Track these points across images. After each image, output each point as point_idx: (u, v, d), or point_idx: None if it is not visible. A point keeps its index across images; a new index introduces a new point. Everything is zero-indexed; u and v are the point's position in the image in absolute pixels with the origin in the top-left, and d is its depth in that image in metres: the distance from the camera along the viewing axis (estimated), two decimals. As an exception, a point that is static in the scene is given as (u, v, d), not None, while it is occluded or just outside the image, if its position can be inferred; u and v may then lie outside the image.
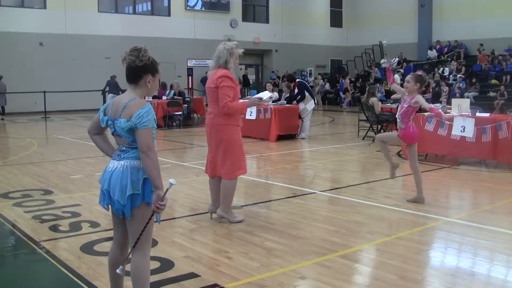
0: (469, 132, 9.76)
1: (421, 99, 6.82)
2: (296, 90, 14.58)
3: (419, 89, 6.94)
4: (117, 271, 3.47)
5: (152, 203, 3.28)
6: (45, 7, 25.84)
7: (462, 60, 28.63)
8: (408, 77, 7.05)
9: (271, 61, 34.13)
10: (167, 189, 3.28)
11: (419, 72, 7.21)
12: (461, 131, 9.87)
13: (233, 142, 6.03)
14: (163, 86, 20.63)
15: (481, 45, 27.90)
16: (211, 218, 6.30)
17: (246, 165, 6.24)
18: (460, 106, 10.45)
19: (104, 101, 21.46)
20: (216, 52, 6.03)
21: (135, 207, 3.35)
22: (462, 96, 21.84)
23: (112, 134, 3.48)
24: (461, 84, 24.78)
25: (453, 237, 5.68)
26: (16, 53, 24.58)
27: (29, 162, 10.76)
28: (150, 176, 3.28)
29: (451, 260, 5.06)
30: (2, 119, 21.72)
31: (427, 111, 8.87)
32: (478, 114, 10.16)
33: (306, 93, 14.50)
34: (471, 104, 11.11)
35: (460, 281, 4.40)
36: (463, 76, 25.91)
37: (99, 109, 3.58)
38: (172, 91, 19.55)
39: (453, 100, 11.56)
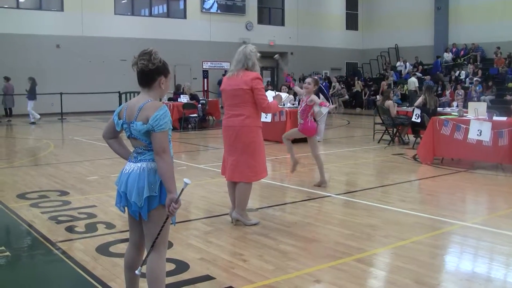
0: (486, 136, 9.70)
1: (314, 97, 8.15)
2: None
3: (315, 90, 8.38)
4: (136, 272, 3.49)
5: (166, 206, 3.30)
6: (62, 10, 26.06)
7: (478, 63, 28.43)
8: (308, 80, 8.35)
9: (287, 64, 34.10)
10: (182, 189, 3.29)
11: (316, 77, 8.53)
12: (477, 135, 9.80)
13: (261, 144, 6.09)
14: (177, 89, 20.67)
15: (498, 48, 27.66)
16: (233, 222, 6.26)
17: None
18: (477, 110, 10.39)
19: (120, 103, 21.52)
20: (240, 55, 5.99)
21: (152, 209, 3.36)
22: (478, 100, 21.68)
23: (128, 137, 3.48)
24: (477, 88, 24.60)
25: (469, 242, 5.64)
26: (33, 55, 24.81)
27: (45, 163, 10.85)
28: (164, 178, 3.28)
29: (467, 265, 5.03)
30: (9, 121, 21.85)
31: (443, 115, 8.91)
32: (495, 117, 10.09)
33: (322, 96, 14.48)
34: (487, 107, 11.03)
35: (476, 286, 4.37)
36: (479, 79, 25.72)
37: (114, 111, 3.60)
38: (186, 95, 19.53)
39: (470, 104, 11.50)
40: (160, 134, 3.27)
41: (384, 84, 28.46)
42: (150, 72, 3.38)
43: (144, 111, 3.31)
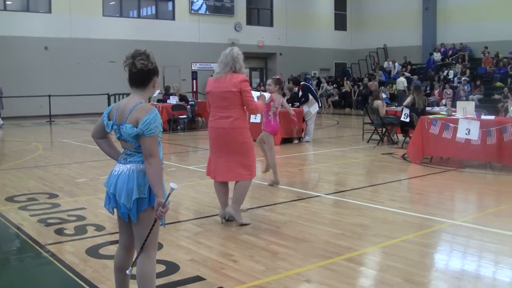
0: (474, 135, 9.74)
1: (276, 97, 8.49)
2: (300, 93, 14.58)
3: (278, 89, 8.66)
4: (127, 272, 3.48)
5: (154, 211, 3.28)
6: (50, 12, 25.93)
7: (466, 62, 28.57)
8: (269, 81, 8.68)
9: (276, 64, 34.11)
10: (169, 194, 3.27)
11: (278, 76, 8.88)
12: (466, 133, 9.85)
13: (251, 144, 6.21)
14: (166, 90, 20.60)
15: (486, 47, 27.83)
16: (223, 222, 6.28)
17: None
18: (465, 109, 10.44)
19: (109, 105, 21.32)
20: (228, 57, 6.03)
21: (141, 211, 3.34)
22: (467, 99, 21.78)
23: (118, 138, 3.46)
24: (465, 87, 24.73)
25: (459, 240, 5.67)
26: (21, 57, 24.65)
27: (34, 166, 10.79)
28: (151, 183, 3.27)
29: (457, 263, 5.05)
30: None
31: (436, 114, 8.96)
32: (483, 116, 10.14)
33: (310, 96, 14.48)
34: (476, 106, 11.09)
35: (465, 284, 4.39)
36: (467, 78, 25.85)
37: (103, 113, 3.58)
38: (176, 96, 19.46)
39: (458, 103, 11.56)
40: (149, 138, 3.25)
41: (371, 84, 28.50)
42: (148, 72, 3.38)
43: (135, 113, 3.28)
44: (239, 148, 6.05)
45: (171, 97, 19.36)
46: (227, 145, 6.05)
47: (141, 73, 3.37)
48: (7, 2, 25.29)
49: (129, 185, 3.30)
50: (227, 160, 6.08)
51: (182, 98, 19.32)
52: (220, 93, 6.03)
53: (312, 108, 14.42)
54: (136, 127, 3.25)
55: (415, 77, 27.99)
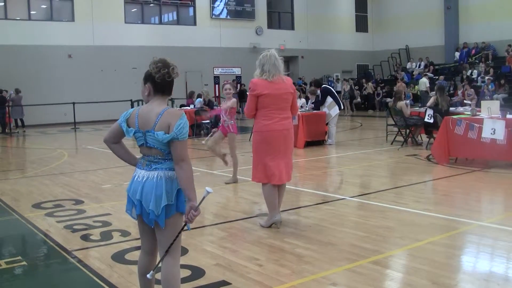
0: (500, 135, 9.62)
1: (233, 100, 9.04)
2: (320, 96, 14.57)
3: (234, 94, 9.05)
4: (148, 276, 3.49)
5: (186, 214, 3.29)
6: (73, 20, 26.25)
7: (490, 61, 28.23)
8: (227, 86, 9.11)
9: (297, 67, 34.08)
10: (204, 197, 3.30)
11: (230, 81, 10.09)
12: (491, 133, 9.72)
13: None
14: (190, 95, 20.69)
15: (510, 45, 27.48)
16: (280, 227, 6.25)
17: None
18: (490, 108, 10.31)
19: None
20: (273, 59, 6.04)
21: (169, 216, 3.36)
22: (491, 99, 21.51)
23: (140, 146, 3.45)
24: (490, 86, 24.42)
25: (486, 241, 5.59)
26: (45, 65, 25.02)
27: (60, 173, 10.91)
28: (183, 187, 3.30)
29: (484, 265, 4.99)
30: (24, 131, 21.99)
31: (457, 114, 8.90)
32: (508, 116, 10.00)
33: (330, 99, 14.38)
34: (500, 106, 10.95)
35: (494, 286, 4.33)
36: (491, 78, 25.54)
37: (119, 118, 3.55)
38: (200, 99, 19.54)
39: (483, 102, 11.41)
40: (181, 143, 3.28)
41: (398, 85, 28.23)
42: (173, 80, 3.44)
43: (165, 118, 3.29)
44: (292, 148, 6.31)
45: (197, 101, 19.46)
46: (289, 146, 6.20)
47: (172, 82, 3.43)
48: (32, 12, 25.68)
49: (158, 192, 3.32)
50: (286, 161, 6.17)
51: (209, 103, 19.35)
52: (281, 94, 6.08)
53: (332, 110, 14.34)
54: (168, 133, 3.27)
55: (441, 77, 27.63)
